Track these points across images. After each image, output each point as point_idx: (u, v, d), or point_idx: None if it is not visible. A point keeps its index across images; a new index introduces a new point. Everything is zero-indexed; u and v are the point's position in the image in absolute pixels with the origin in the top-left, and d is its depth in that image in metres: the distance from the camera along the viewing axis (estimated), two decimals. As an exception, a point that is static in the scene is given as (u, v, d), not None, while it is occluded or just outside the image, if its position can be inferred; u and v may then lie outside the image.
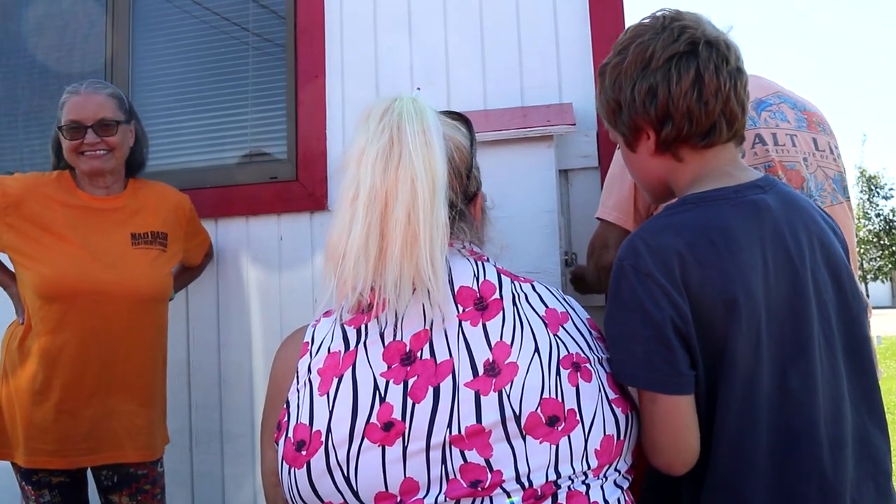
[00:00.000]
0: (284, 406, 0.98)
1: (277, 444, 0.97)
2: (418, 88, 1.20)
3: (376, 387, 0.91)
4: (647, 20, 1.11)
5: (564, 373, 0.92)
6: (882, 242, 19.13)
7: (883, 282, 21.53)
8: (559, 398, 0.90)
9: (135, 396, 1.87)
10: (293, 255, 2.38)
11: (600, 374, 0.96)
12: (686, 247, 0.97)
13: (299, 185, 2.37)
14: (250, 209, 2.41)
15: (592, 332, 1.03)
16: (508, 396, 0.88)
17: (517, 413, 0.88)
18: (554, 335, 0.95)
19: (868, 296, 19.24)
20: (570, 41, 2.22)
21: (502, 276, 1.00)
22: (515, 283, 1.00)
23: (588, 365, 0.95)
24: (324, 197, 2.34)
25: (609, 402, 0.94)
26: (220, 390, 2.43)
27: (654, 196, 1.20)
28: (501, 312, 0.95)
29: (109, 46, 2.61)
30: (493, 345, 0.92)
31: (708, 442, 0.99)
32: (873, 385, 1.05)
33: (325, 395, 0.93)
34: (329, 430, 0.90)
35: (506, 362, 0.91)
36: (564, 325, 0.98)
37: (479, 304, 0.95)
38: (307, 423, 0.93)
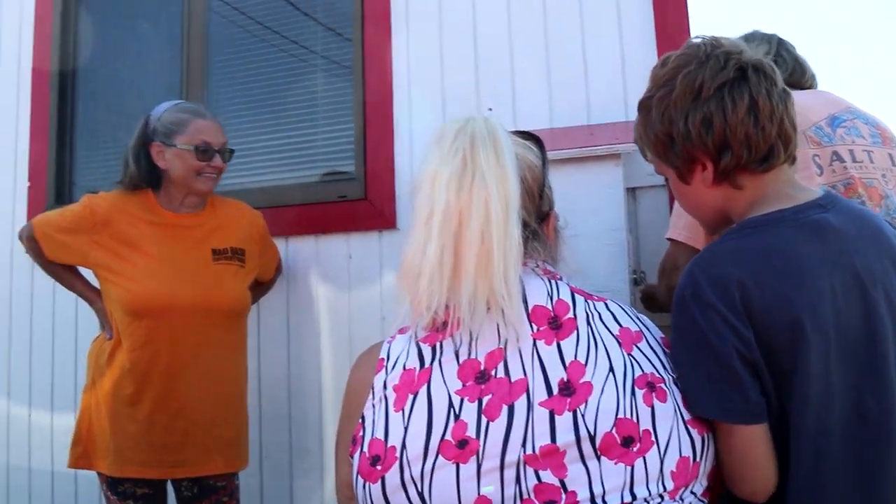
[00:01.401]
0: (360, 421, 1.00)
1: (352, 458, 0.99)
2: (490, 109, 1.21)
3: (451, 404, 0.92)
4: (687, 50, 1.09)
5: (639, 393, 0.91)
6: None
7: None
8: (634, 418, 0.89)
9: (222, 409, 1.94)
10: (362, 273, 2.42)
11: (675, 394, 0.95)
12: (747, 274, 0.96)
13: (368, 204, 2.41)
14: (320, 228, 2.46)
15: (667, 351, 1.01)
16: (583, 416, 0.88)
17: (592, 433, 0.88)
18: (628, 354, 0.95)
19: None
20: (635, 58, 2.21)
21: (576, 294, 1.00)
22: (589, 301, 1.00)
23: (663, 385, 0.94)
24: (392, 216, 2.37)
25: (685, 422, 0.93)
26: (289, 405, 2.48)
27: (710, 226, 1.18)
28: (575, 331, 0.95)
29: (185, 68, 2.71)
30: (567, 364, 0.92)
31: (784, 467, 0.97)
32: None
33: (401, 412, 0.94)
34: (404, 445, 0.92)
35: (580, 382, 0.91)
36: (638, 345, 0.97)
37: (553, 323, 0.96)
38: (382, 439, 0.94)
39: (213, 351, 1.91)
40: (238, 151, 2.08)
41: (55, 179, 2.83)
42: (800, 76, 1.67)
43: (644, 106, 1.14)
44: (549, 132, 2.18)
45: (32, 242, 1.93)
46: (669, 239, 1.61)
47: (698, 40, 1.10)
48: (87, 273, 2.04)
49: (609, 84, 2.22)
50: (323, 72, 2.64)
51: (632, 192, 2.13)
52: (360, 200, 2.43)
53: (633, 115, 2.14)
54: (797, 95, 1.53)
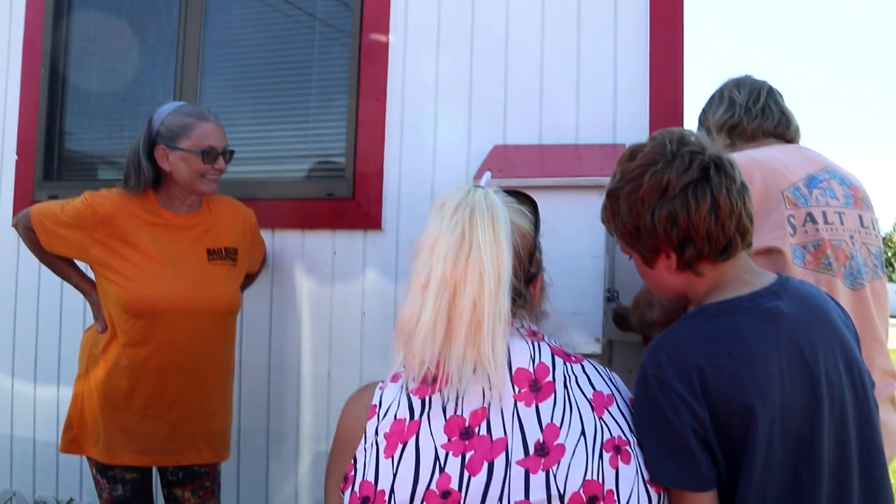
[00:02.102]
0: (352, 462, 1.08)
1: (343, 494, 1.07)
2: (489, 171, 1.28)
3: (437, 457, 1.01)
4: (653, 146, 1.17)
5: (606, 456, 1.01)
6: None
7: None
8: (600, 480, 0.99)
9: (212, 403, 2.03)
10: (345, 269, 2.50)
11: (639, 456, 1.04)
12: (705, 359, 1.05)
13: (355, 204, 2.47)
14: (307, 223, 2.52)
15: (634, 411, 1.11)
16: (555, 476, 0.98)
17: (562, 493, 0.97)
18: (599, 418, 1.04)
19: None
20: (627, 83, 2.27)
21: (556, 357, 1.09)
22: (567, 364, 1.09)
23: (628, 447, 1.04)
24: (378, 217, 2.44)
25: (644, 482, 1.03)
26: (268, 391, 2.57)
27: (670, 302, 1.29)
28: (553, 395, 1.04)
29: (179, 58, 2.72)
30: (544, 426, 1.01)
31: None
32: (883, 473, 1.13)
33: (391, 459, 1.03)
34: (392, 491, 1.01)
35: (554, 444, 1.00)
36: (609, 408, 1.06)
37: (534, 386, 1.04)
38: (372, 482, 1.03)
39: (205, 349, 1.98)
40: (231, 142, 2.09)
41: (44, 154, 2.84)
42: (784, 128, 1.74)
43: (612, 195, 1.22)
44: (538, 149, 2.25)
45: (29, 232, 1.98)
46: None
47: (664, 137, 1.17)
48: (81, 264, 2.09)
49: (600, 105, 2.29)
50: (319, 68, 2.66)
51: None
52: (347, 199, 2.49)
53: (621, 137, 2.27)
54: (780, 153, 1.62)
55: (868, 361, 1.41)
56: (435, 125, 2.42)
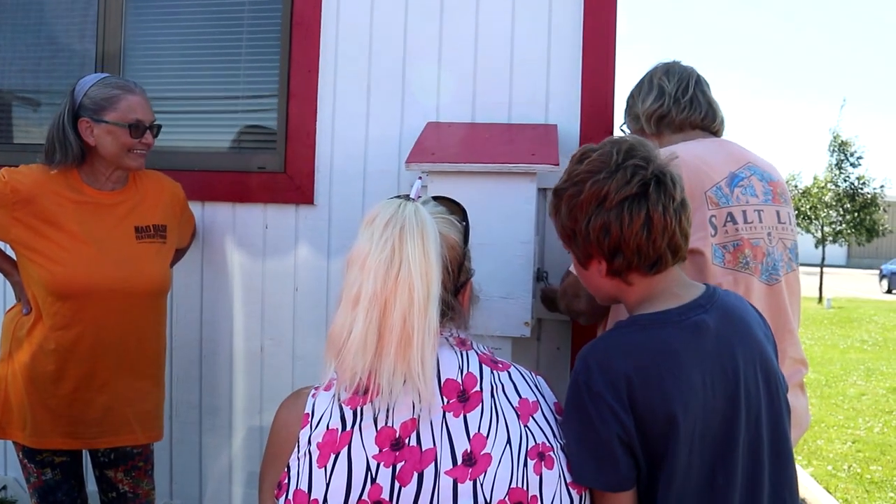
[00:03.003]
0: (286, 469, 1.10)
1: (277, 501, 1.10)
2: (420, 177, 1.28)
3: (368, 468, 1.04)
4: (601, 154, 1.19)
5: (531, 463, 1.06)
6: (845, 207, 19.54)
7: (840, 245, 22.23)
8: (524, 486, 1.04)
9: (144, 384, 1.99)
10: (277, 243, 2.48)
11: (562, 461, 1.10)
12: (634, 370, 1.11)
13: (287, 178, 2.44)
14: (238, 196, 2.48)
15: (558, 417, 1.16)
16: (482, 485, 1.02)
17: (488, 501, 1.02)
18: (525, 426, 1.08)
19: (824, 257, 19.83)
20: (561, 62, 2.29)
21: (483, 366, 1.12)
22: (495, 372, 1.12)
23: (552, 453, 1.09)
24: (310, 191, 2.42)
25: (566, 485, 1.09)
26: (200, 366, 2.55)
27: (604, 302, 1.34)
28: (481, 405, 1.08)
29: (101, 25, 2.59)
30: (471, 436, 1.05)
31: None
32: (791, 472, 1.22)
33: (323, 469, 1.05)
34: (325, 500, 1.04)
35: (481, 453, 1.04)
36: (534, 415, 1.11)
37: (462, 397, 1.08)
38: (306, 491, 1.06)
39: (135, 330, 1.94)
40: (160, 112, 2.01)
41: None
42: (710, 121, 1.77)
43: (557, 194, 1.25)
44: (470, 128, 2.25)
45: None
46: (570, 271, 1.72)
47: (614, 147, 1.19)
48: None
49: (533, 84, 2.30)
50: (249, 38, 2.58)
51: (542, 192, 2.23)
52: (279, 173, 2.45)
53: (553, 116, 2.29)
54: (705, 149, 1.66)
55: (781, 353, 1.50)
56: (368, 100, 2.39)
